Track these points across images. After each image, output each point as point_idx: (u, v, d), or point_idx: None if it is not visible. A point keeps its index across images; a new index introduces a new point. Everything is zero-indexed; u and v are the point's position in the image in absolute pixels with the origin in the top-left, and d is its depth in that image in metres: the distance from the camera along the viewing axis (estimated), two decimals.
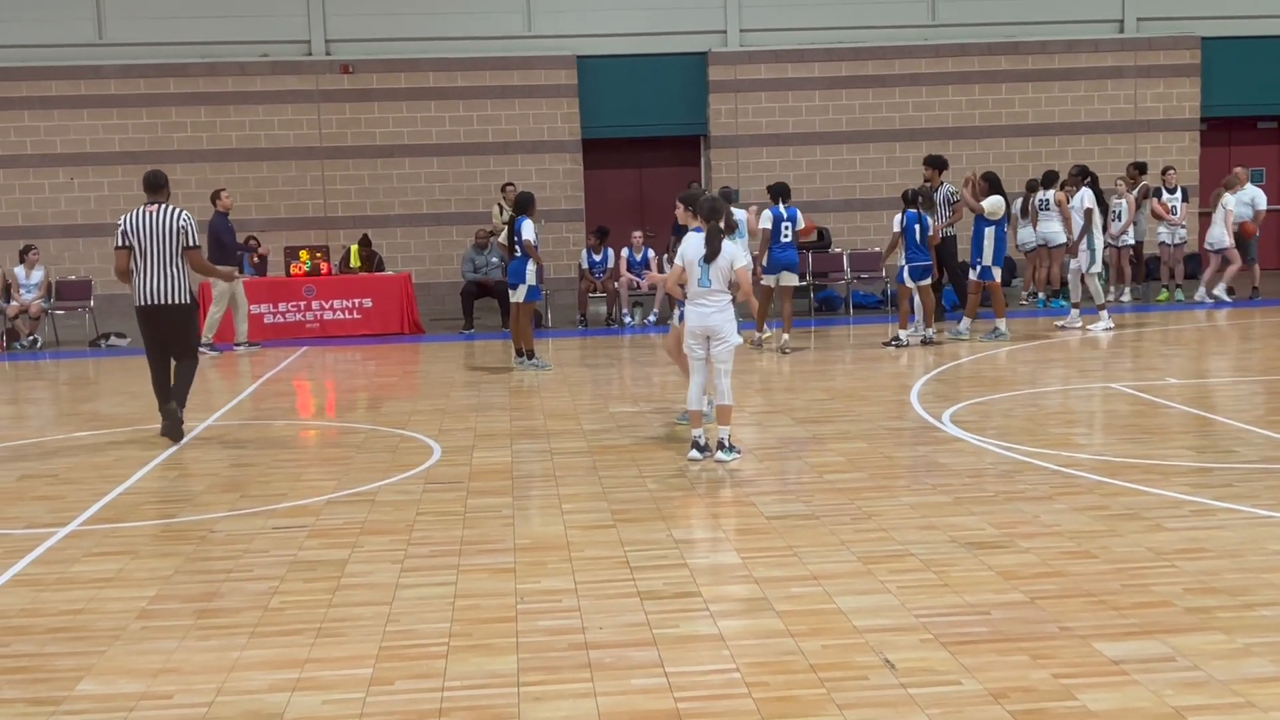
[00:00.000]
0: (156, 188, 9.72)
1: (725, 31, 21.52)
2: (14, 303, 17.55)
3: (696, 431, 8.32)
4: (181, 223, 9.57)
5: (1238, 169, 18.70)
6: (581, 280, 18.31)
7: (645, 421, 9.86)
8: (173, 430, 9.60)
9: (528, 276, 13.15)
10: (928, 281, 14.25)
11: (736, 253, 8.27)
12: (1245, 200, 18.13)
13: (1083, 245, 14.97)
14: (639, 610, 5.25)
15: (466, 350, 15.57)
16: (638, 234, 18.20)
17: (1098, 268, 15.22)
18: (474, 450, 8.92)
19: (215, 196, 16.45)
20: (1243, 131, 22.70)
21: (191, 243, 9.61)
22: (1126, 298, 18.30)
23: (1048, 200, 17.96)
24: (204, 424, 10.39)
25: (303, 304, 17.23)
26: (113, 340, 17.35)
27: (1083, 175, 15.67)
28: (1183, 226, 18.45)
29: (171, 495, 7.79)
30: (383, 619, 5.23)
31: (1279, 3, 21.86)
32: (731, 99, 21.43)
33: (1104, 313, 15.06)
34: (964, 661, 4.54)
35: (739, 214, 13.98)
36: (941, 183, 16.11)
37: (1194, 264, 20.24)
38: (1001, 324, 14.43)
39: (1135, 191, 18.55)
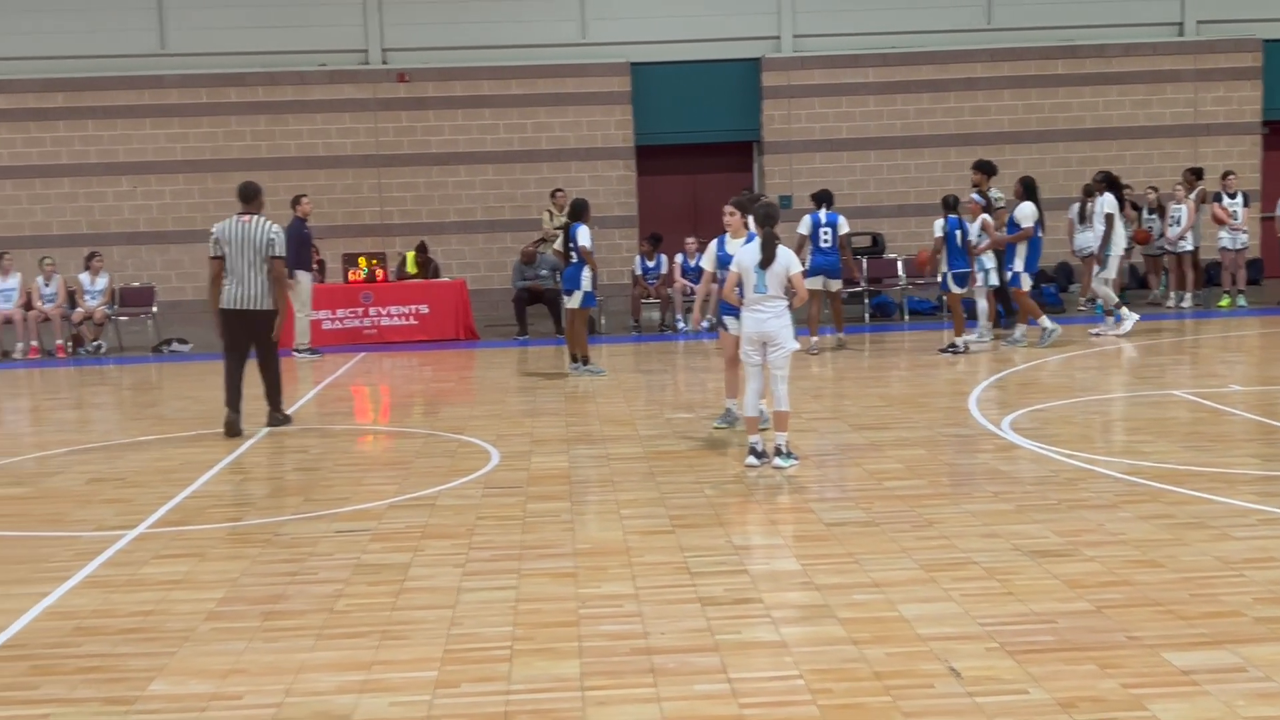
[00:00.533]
0: (249, 198, 10.44)
1: (779, 37, 21.49)
2: (79, 309, 17.85)
3: (753, 438, 8.31)
4: (271, 234, 10.22)
5: None
6: (635, 286, 18.35)
7: (701, 427, 9.86)
8: (279, 422, 10.56)
9: (583, 283, 13.20)
10: (969, 289, 14.17)
11: (791, 258, 8.27)
12: None
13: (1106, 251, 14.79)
14: (700, 616, 5.25)
15: (521, 356, 15.65)
16: (691, 240, 18.21)
17: (1110, 273, 15.02)
18: (531, 455, 8.96)
19: (295, 202, 16.57)
20: None
21: (277, 252, 10.23)
22: (1187, 303, 18.07)
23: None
24: (266, 429, 10.52)
25: (360, 310, 17.40)
26: (175, 346, 17.61)
27: (1106, 181, 15.47)
28: (1244, 231, 18.19)
29: (237, 499, 7.91)
30: (446, 622, 5.27)
31: None
32: (785, 104, 21.39)
33: (1124, 310, 14.89)
34: (1031, 670, 4.51)
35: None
36: (990, 188, 15.97)
37: (1255, 269, 19.94)
38: (1018, 331, 14.27)
39: (1194, 196, 18.33)
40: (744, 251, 8.34)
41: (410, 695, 4.50)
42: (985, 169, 15.49)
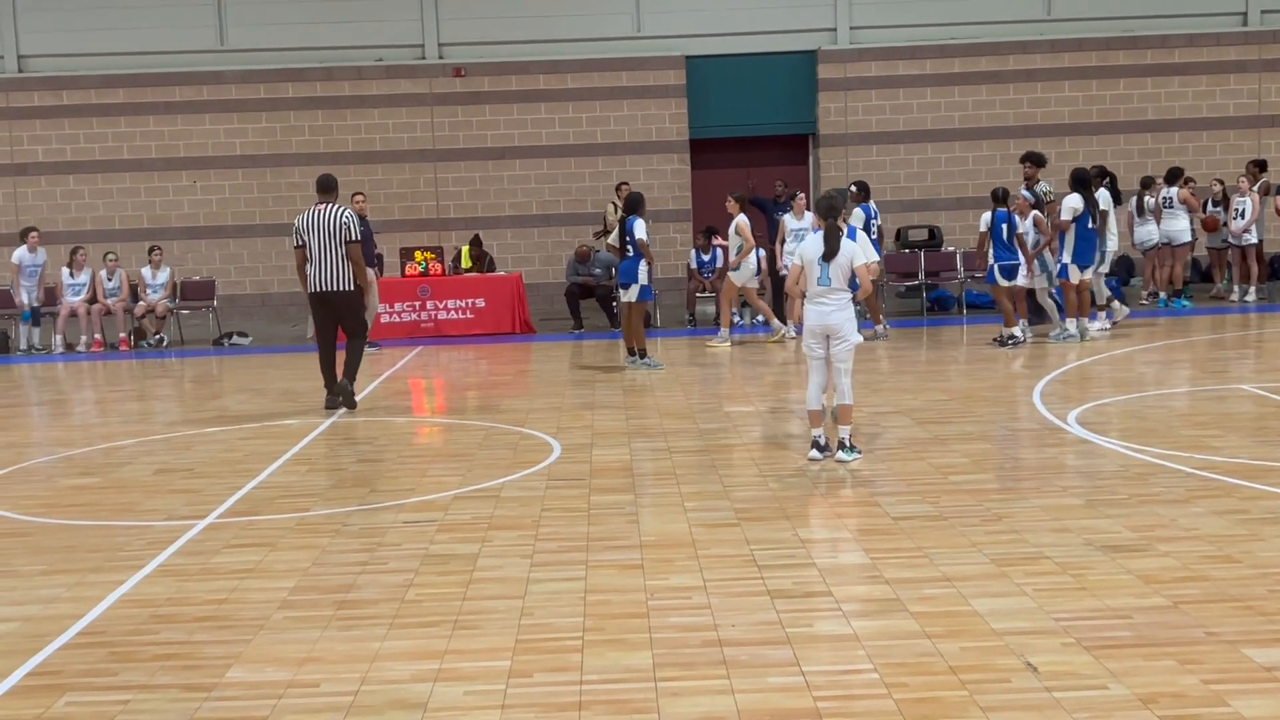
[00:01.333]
0: (326, 189, 11.08)
1: (835, 29, 21.36)
2: (141, 302, 18.10)
3: (816, 431, 8.28)
4: (344, 220, 10.85)
5: None
6: (690, 280, 18.33)
7: (761, 421, 9.84)
8: (345, 400, 11.10)
9: (640, 276, 13.21)
10: (1016, 281, 13.99)
11: (855, 250, 8.21)
12: None
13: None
14: (770, 609, 5.24)
15: (576, 350, 15.68)
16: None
17: (1104, 268, 14.68)
18: (593, 448, 8.98)
19: (350, 199, 16.71)
20: None
21: (353, 237, 10.85)
22: (1251, 297, 17.79)
23: (1171, 198, 17.54)
24: (328, 421, 10.61)
25: (417, 304, 17.51)
26: (235, 339, 17.81)
27: (1101, 176, 15.07)
28: None
29: (303, 490, 7.98)
30: (516, 612, 5.29)
31: None
32: (841, 97, 21.26)
33: (1105, 312, 14.67)
34: (1109, 666, 4.46)
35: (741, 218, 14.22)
36: (1039, 180, 15.76)
37: None
38: (1071, 324, 14.00)
39: (1258, 188, 18.05)
40: (807, 244, 8.31)
41: (484, 684, 4.52)
42: (1035, 160, 15.31)
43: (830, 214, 8.22)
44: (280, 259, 21.15)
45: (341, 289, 10.89)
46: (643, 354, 13.40)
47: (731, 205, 15.21)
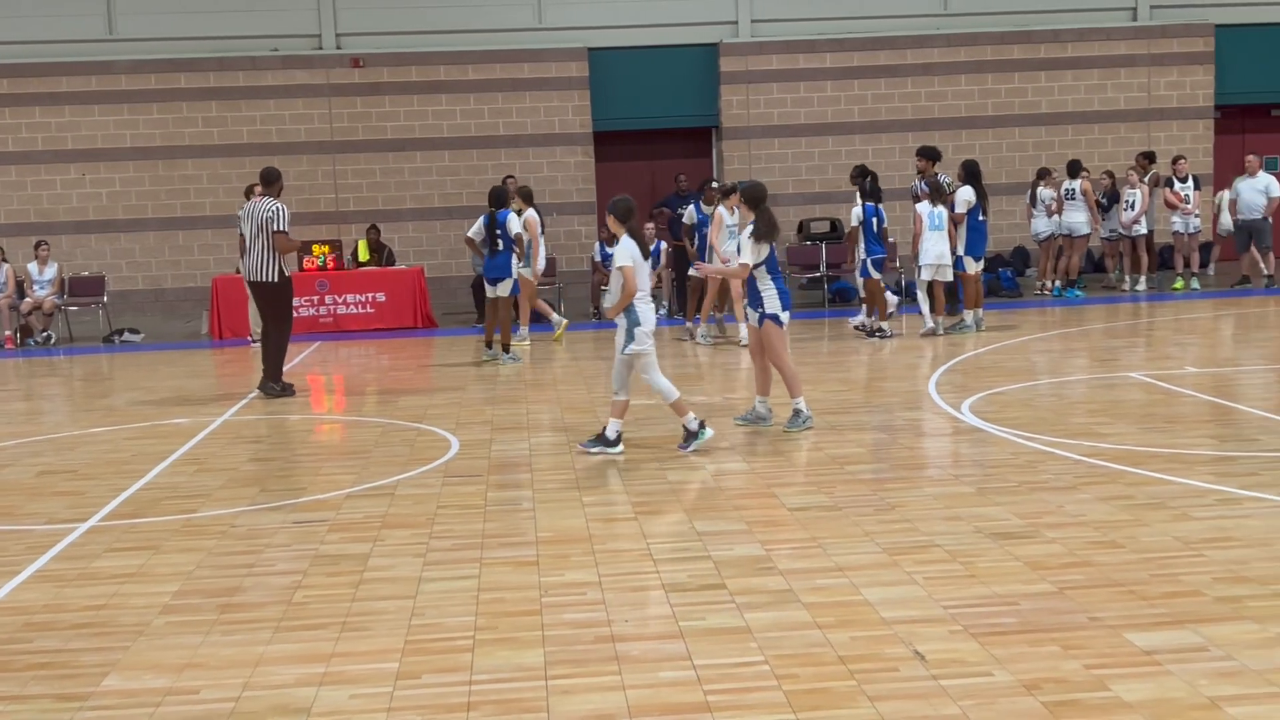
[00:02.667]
0: (267, 182, 11.60)
1: (736, 22, 21.44)
2: (27, 299, 17.56)
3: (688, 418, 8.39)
4: (270, 212, 11.26)
5: (1250, 156, 18.60)
6: (595, 273, 18.28)
7: (662, 414, 9.82)
8: (268, 392, 11.38)
9: (513, 270, 13.47)
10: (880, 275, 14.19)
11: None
12: (1259, 188, 18.05)
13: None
14: (664, 603, 5.22)
15: (480, 344, 15.52)
16: (650, 226, 18.15)
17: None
18: (492, 443, 8.89)
19: (248, 192, 16.41)
20: (1257, 119, 22.54)
21: (278, 227, 11.25)
22: (1142, 287, 18.21)
23: (1074, 190, 17.88)
24: (220, 419, 10.38)
25: (316, 298, 17.23)
26: (126, 336, 17.36)
27: (863, 175, 14.56)
28: (1196, 215, 18.37)
29: (191, 490, 7.78)
30: (407, 613, 5.21)
31: None
32: (743, 90, 21.36)
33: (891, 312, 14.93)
34: (995, 653, 4.51)
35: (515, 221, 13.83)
36: (936, 173, 15.95)
37: (1207, 253, 20.14)
38: (969, 315, 14.21)
39: (1147, 180, 18.49)
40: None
41: (371, 687, 4.43)
42: (930, 155, 15.48)
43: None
44: (173, 253, 20.70)
45: (265, 279, 11.27)
46: (506, 348, 13.47)
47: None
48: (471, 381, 12.17)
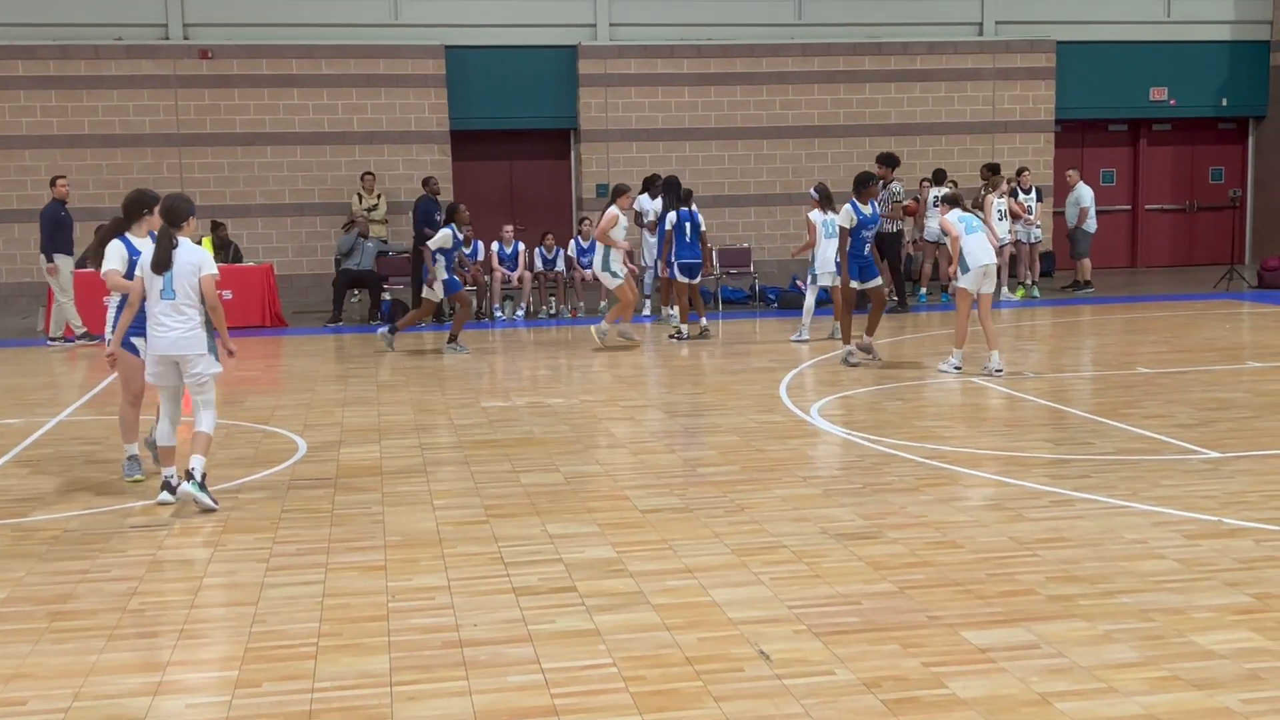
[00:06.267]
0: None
1: (595, 25, 21.46)
2: None
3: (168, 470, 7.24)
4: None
5: (1070, 171, 19.69)
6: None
7: (517, 416, 9.78)
8: None
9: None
10: (698, 280, 14.51)
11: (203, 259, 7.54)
12: (1072, 200, 19.16)
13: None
14: (514, 606, 5.20)
15: (333, 344, 15.26)
16: (508, 228, 18.09)
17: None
18: (341, 446, 8.74)
19: (52, 184, 15.90)
20: (1095, 134, 23.50)
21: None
22: (1012, 294, 18.74)
23: (938, 198, 18.28)
24: (54, 420, 9.99)
25: None
26: None
27: (668, 188, 14.89)
28: (1037, 225, 19.05)
29: (22, 494, 7.46)
30: (248, 620, 5.08)
31: (1131, 10, 22.69)
32: (602, 93, 21.39)
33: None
34: (837, 652, 4.60)
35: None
36: (892, 179, 16.32)
37: (1048, 262, 20.90)
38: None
39: (998, 192, 19.03)
40: (145, 254, 7.51)
41: (209, 696, 4.32)
42: (889, 162, 15.72)
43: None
44: (9, 247, 19.81)
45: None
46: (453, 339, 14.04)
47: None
48: (320, 382, 11.94)
